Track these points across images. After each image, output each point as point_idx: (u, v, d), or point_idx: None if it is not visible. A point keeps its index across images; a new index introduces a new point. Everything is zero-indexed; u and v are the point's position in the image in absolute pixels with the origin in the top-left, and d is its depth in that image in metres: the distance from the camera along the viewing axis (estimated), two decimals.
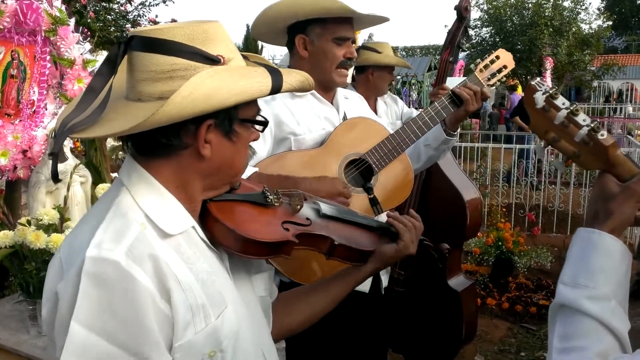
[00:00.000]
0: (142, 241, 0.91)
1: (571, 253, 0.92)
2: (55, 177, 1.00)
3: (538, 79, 1.08)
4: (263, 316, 1.17)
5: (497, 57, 2.16)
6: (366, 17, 2.00)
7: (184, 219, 1.00)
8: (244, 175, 1.77)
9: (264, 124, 1.06)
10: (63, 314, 0.88)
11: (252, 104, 1.01)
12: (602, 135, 0.93)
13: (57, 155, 0.99)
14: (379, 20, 2.08)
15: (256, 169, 1.82)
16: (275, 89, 0.98)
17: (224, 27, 1.01)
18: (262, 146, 1.93)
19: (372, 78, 3.26)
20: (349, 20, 1.97)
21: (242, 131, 1.02)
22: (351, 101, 2.20)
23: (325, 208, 1.27)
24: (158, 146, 0.97)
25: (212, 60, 0.96)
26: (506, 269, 4.95)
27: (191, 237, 1.01)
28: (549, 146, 1.01)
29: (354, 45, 2.03)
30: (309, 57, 1.99)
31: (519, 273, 5.00)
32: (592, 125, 0.94)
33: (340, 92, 2.14)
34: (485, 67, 2.14)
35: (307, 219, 1.21)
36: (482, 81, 2.12)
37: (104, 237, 0.90)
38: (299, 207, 1.19)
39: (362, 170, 1.99)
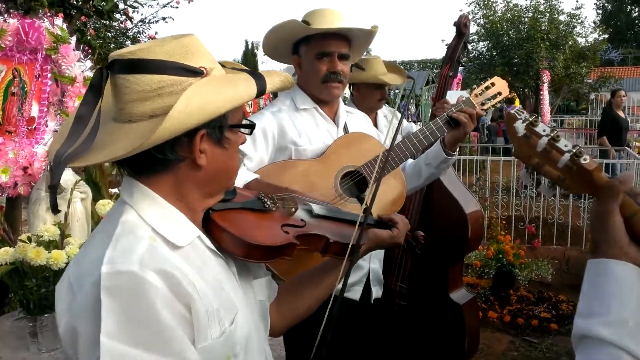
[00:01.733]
0: (154, 252, 0.94)
1: (583, 287, 0.91)
2: (55, 209, 1.02)
3: (518, 107, 1.10)
4: (262, 321, 1.21)
5: (493, 84, 2.23)
6: (349, 31, 2.07)
7: (189, 229, 1.04)
8: (245, 180, 1.83)
9: (251, 126, 1.11)
10: (89, 332, 0.89)
11: (237, 109, 1.06)
12: (584, 159, 0.93)
13: (55, 188, 1.00)
14: (362, 32, 2.12)
15: (257, 176, 1.90)
16: (261, 91, 1.03)
17: (199, 39, 1.05)
18: (265, 152, 2.06)
19: (358, 95, 3.27)
20: (334, 36, 2.07)
21: (232, 136, 1.07)
22: (354, 117, 2.30)
23: (316, 208, 1.37)
24: (155, 163, 1.00)
25: (196, 73, 0.99)
26: (507, 281, 4.94)
27: (198, 247, 1.05)
28: (535, 171, 1.02)
29: (344, 60, 2.10)
30: (303, 75, 2.16)
31: (520, 286, 4.98)
32: (574, 150, 0.94)
33: (343, 107, 2.24)
34: (481, 93, 2.20)
35: (302, 220, 1.29)
36: (476, 105, 2.19)
37: (115, 253, 0.92)
38: (293, 209, 1.28)
39: (357, 182, 2.06)
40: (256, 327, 1.14)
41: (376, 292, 2.30)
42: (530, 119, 0.99)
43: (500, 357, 3.93)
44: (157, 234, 0.98)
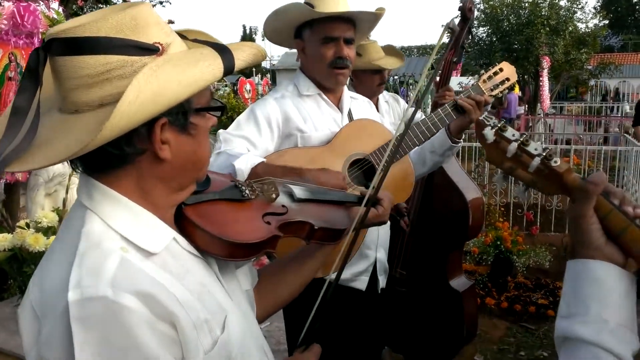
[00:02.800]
0: (127, 268, 0.82)
1: (563, 288, 0.92)
2: None
3: (485, 113, 1.10)
4: (251, 311, 1.12)
5: (501, 70, 2.19)
6: (357, 14, 2.02)
7: (163, 232, 0.92)
8: (253, 163, 1.81)
9: (221, 108, 0.98)
10: None
11: (204, 90, 0.90)
12: (555, 162, 0.94)
13: None
14: (369, 15, 2.08)
15: (263, 159, 1.87)
16: (228, 69, 0.89)
17: (151, 7, 0.89)
18: (270, 141, 2.01)
19: (357, 81, 3.24)
20: (339, 20, 2.01)
21: (199, 121, 0.93)
22: (358, 102, 2.27)
23: (298, 192, 1.24)
24: (111, 158, 0.86)
25: (149, 50, 0.85)
26: (505, 268, 4.95)
27: (174, 250, 0.93)
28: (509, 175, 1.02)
29: (350, 45, 2.05)
30: (306, 60, 2.10)
31: (518, 272, 5.00)
32: (544, 153, 0.95)
33: (347, 93, 2.20)
34: (489, 78, 2.17)
35: (283, 206, 1.18)
36: (484, 91, 2.15)
37: (81, 275, 0.79)
38: (274, 195, 1.15)
39: (365, 170, 2.03)
40: (249, 325, 1.04)
41: (382, 281, 2.28)
42: (499, 125, 1.00)
43: (497, 343, 3.95)
44: (128, 241, 0.86)
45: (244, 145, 1.95)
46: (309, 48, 2.07)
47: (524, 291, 4.69)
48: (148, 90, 0.80)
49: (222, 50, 0.90)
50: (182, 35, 0.96)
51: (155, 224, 0.91)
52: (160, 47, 0.86)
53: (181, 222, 0.97)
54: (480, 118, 1.03)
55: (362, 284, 2.17)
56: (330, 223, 1.23)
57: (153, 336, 0.80)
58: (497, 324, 4.25)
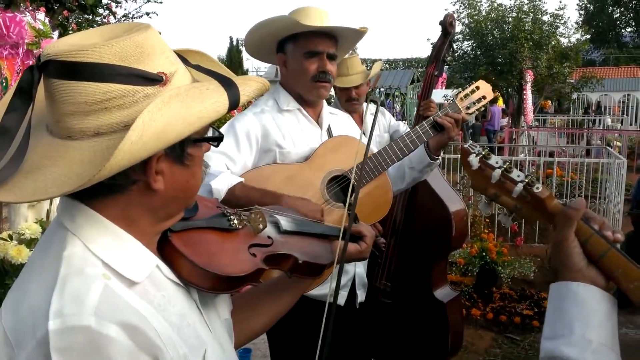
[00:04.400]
0: (110, 297, 0.77)
1: (547, 310, 0.94)
2: None
3: (470, 141, 1.14)
4: (230, 342, 1.07)
5: (477, 88, 2.23)
6: (340, 30, 2.04)
7: (146, 259, 0.88)
8: (230, 184, 1.80)
9: (219, 139, 0.94)
10: None
11: None
12: (537, 188, 0.97)
13: None
14: (352, 32, 2.09)
15: (242, 180, 1.86)
16: (233, 106, 0.86)
17: (157, 33, 0.85)
18: (249, 155, 2.00)
19: (336, 97, 3.37)
20: (323, 35, 2.03)
21: (195, 151, 0.89)
22: (338, 118, 2.28)
23: (284, 223, 1.22)
24: (101, 188, 0.81)
25: (153, 80, 0.81)
26: (490, 279, 4.99)
27: (156, 279, 0.88)
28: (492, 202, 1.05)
29: (332, 60, 2.06)
30: (288, 74, 2.10)
31: (503, 283, 5.03)
32: (527, 180, 0.98)
33: (327, 109, 2.21)
34: (466, 96, 2.21)
35: (269, 237, 1.15)
36: (461, 109, 2.19)
37: (63, 302, 0.75)
38: (261, 226, 1.12)
39: (343, 187, 2.04)
40: (227, 358, 0.99)
41: (361, 296, 2.29)
42: (483, 152, 1.03)
43: (483, 354, 3.97)
44: (109, 268, 0.81)
45: (223, 162, 1.94)
46: (292, 61, 2.07)
47: (509, 302, 4.72)
48: (152, 129, 0.76)
49: (228, 85, 0.87)
50: (182, 57, 0.92)
51: (139, 251, 0.87)
52: (164, 77, 0.83)
53: (165, 249, 0.94)
54: (466, 146, 1.06)
55: (340, 299, 2.16)
56: (313, 257, 1.20)
57: None
58: (482, 335, 4.27)
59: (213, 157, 1.93)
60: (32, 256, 0.91)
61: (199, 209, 1.05)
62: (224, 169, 1.92)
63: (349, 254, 1.29)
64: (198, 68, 0.94)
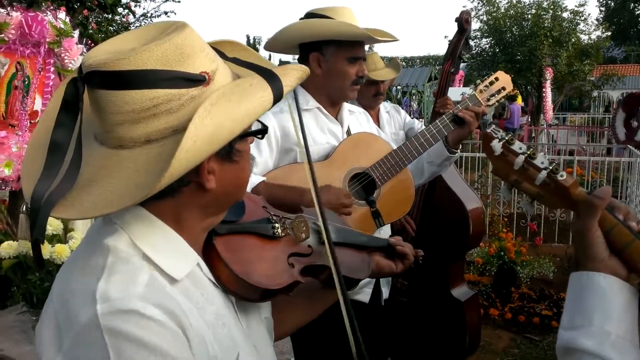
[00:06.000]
0: (155, 287, 0.80)
1: (566, 300, 0.93)
2: (42, 265, 0.88)
3: (493, 126, 1.11)
4: (269, 340, 1.08)
5: (497, 79, 2.21)
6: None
7: (188, 257, 0.89)
8: (253, 183, 1.80)
9: (264, 131, 0.95)
10: None
11: None
12: (561, 176, 0.95)
13: (39, 242, 0.79)
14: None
15: (263, 179, 1.87)
16: (277, 99, 0.85)
17: (193, 31, 0.84)
18: (269, 156, 2.00)
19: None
20: (362, 41, 2.04)
21: (242, 146, 0.91)
22: (356, 116, 2.28)
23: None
24: None
25: (197, 81, 0.82)
26: (509, 279, 4.94)
27: (196, 277, 0.90)
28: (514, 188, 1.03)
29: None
30: (323, 74, 2.06)
31: (522, 283, 4.98)
32: (551, 167, 0.96)
33: (346, 106, 2.21)
34: (485, 88, 2.18)
35: (309, 246, 1.13)
36: (481, 101, 2.16)
37: (109, 287, 0.77)
38: (304, 235, 1.10)
39: (365, 184, 2.03)
40: (259, 357, 0.99)
41: (385, 292, 2.28)
42: (507, 138, 1.00)
43: (501, 355, 3.93)
44: (153, 264, 0.83)
45: None
46: (332, 64, 2.03)
47: (528, 302, 4.67)
48: (204, 133, 0.76)
49: (271, 77, 0.86)
50: (218, 50, 0.91)
51: (184, 250, 0.88)
52: (206, 77, 0.83)
53: (208, 252, 0.95)
54: (488, 131, 1.04)
55: (365, 296, 2.16)
56: (351, 271, 1.19)
57: (182, 347, 0.79)
58: (500, 335, 4.23)
59: None
60: (79, 247, 0.92)
61: (246, 210, 1.06)
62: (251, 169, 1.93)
63: (381, 269, 1.31)
64: (235, 61, 0.94)
